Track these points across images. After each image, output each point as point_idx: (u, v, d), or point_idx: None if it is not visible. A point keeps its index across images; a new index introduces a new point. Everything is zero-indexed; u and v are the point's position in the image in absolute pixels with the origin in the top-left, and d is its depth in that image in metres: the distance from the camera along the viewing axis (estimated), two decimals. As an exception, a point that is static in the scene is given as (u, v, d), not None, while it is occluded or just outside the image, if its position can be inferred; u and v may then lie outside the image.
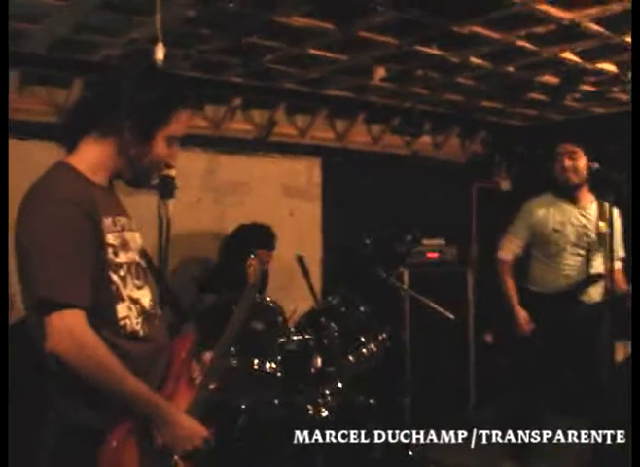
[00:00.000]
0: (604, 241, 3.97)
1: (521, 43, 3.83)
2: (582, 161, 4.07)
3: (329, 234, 5.45)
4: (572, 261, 4.13)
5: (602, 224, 4.01)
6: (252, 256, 2.53)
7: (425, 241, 5.45)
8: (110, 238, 1.95)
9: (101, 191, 2.00)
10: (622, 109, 5.46)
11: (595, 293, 4.09)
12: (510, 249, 4.30)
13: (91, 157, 1.99)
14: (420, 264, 5.34)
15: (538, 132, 6.19)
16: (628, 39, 3.74)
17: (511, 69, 4.37)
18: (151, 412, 1.93)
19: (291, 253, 4.10)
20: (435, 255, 5.54)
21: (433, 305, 3.88)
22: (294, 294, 4.46)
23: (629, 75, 4.39)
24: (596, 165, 3.81)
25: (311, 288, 3.28)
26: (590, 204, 4.16)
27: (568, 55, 4.08)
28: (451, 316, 3.84)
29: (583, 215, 4.14)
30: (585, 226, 4.11)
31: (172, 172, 3.12)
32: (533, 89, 4.91)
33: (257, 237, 4.15)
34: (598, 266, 4.09)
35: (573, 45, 3.89)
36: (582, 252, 4.11)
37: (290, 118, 5.27)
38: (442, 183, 5.92)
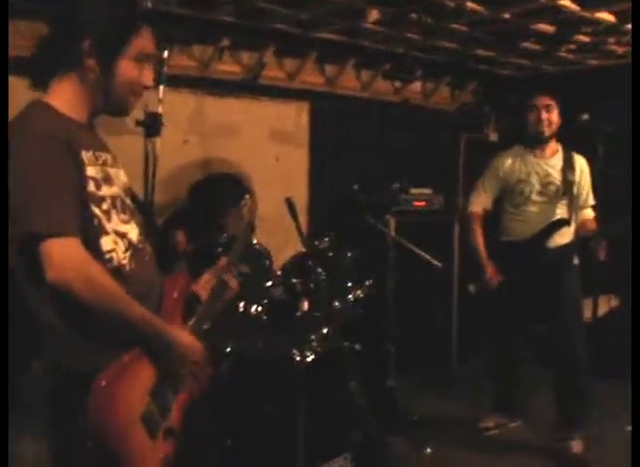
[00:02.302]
0: (570, 189, 4.12)
1: (519, -12, 3.76)
2: (555, 115, 4.13)
3: (316, 180, 5.40)
4: (537, 209, 4.21)
5: (570, 173, 4.13)
6: (247, 196, 2.49)
7: (413, 190, 5.42)
8: (91, 171, 1.91)
9: (80, 127, 1.96)
10: (617, 62, 5.41)
11: (561, 239, 4.16)
12: (479, 203, 4.37)
13: (64, 93, 1.95)
14: (407, 212, 5.31)
15: (529, 84, 6.13)
16: (629, -14, 3.68)
17: (506, 16, 4.28)
18: (155, 334, 1.92)
19: (277, 198, 4.04)
20: (422, 204, 5.51)
21: (420, 252, 3.86)
22: (280, 239, 4.42)
23: (628, 26, 4.34)
24: (586, 116, 3.82)
25: (299, 231, 3.24)
26: (555, 155, 4.23)
27: (566, 3, 4.00)
28: (438, 263, 3.82)
29: (548, 165, 4.21)
30: (549, 174, 4.18)
31: (159, 109, 3.09)
32: (528, 37, 4.84)
33: (229, 186, 4.11)
34: (563, 213, 4.18)
35: (572, -9, 3.83)
36: (546, 200, 4.19)
37: (279, 61, 5.17)
38: (430, 132, 5.87)
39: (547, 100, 4.11)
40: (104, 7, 1.93)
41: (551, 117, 4.12)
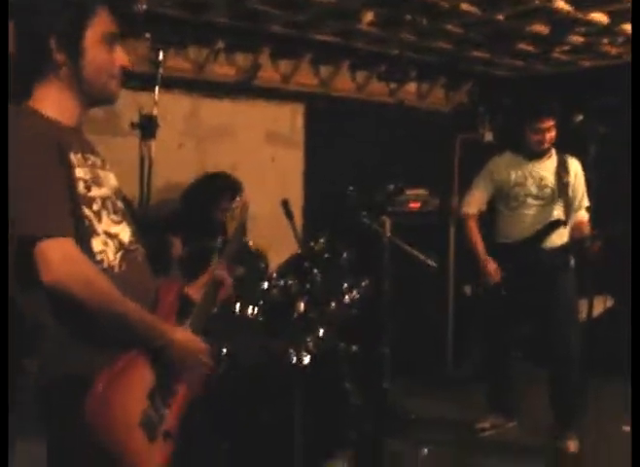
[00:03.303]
0: (565, 191, 4.18)
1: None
2: (554, 131, 4.18)
3: (311, 181, 5.41)
4: (533, 211, 4.25)
5: (564, 175, 4.19)
6: (238, 197, 2.48)
7: (408, 191, 5.43)
8: (80, 173, 1.91)
9: (67, 129, 1.96)
10: (610, 62, 5.42)
11: (557, 240, 4.19)
12: (474, 204, 4.41)
13: (47, 96, 1.94)
14: (402, 213, 5.32)
15: (523, 84, 6.14)
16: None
17: (501, 17, 4.30)
18: (154, 334, 1.92)
19: (272, 199, 4.04)
20: (417, 205, 5.52)
21: (415, 252, 3.86)
22: (275, 240, 4.42)
23: (621, 26, 4.35)
24: (580, 117, 3.84)
25: (295, 232, 3.24)
26: (549, 158, 4.27)
27: (560, 4, 4.01)
28: (433, 263, 3.82)
29: (542, 168, 4.25)
30: (544, 178, 4.23)
31: (154, 111, 3.09)
32: (522, 38, 4.85)
33: (222, 186, 4.11)
34: (559, 215, 4.23)
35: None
36: (542, 203, 4.24)
37: (274, 62, 5.17)
38: (425, 133, 5.88)
39: (550, 122, 4.14)
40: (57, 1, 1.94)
41: (552, 135, 4.18)
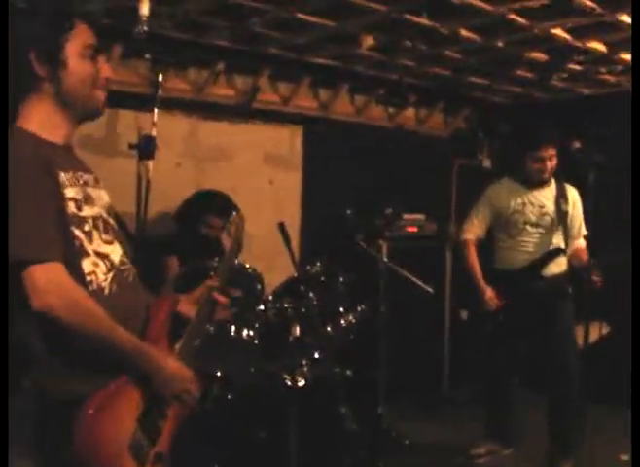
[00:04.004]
0: (564, 219, 4.17)
1: (513, 16, 3.79)
2: (555, 160, 4.18)
3: (309, 204, 5.41)
4: (533, 239, 4.24)
5: (563, 204, 4.19)
6: (233, 213, 2.47)
7: (405, 216, 5.43)
8: (70, 192, 1.89)
9: (56, 148, 1.94)
10: (608, 90, 5.45)
11: (556, 268, 4.19)
12: (472, 231, 4.39)
13: (34, 115, 1.93)
14: (400, 238, 5.31)
15: (522, 111, 6.17)
16: (621, 17, 3.71)
17: (500, 44, 4.32)
18: (141, 360, 1.90)
19: (269, 222, 4.04)
20: (414, 229, 5.52)
21: (412, 278, 3.86)
22: (272, 263, 4.41)
23: (620, 55, 4.38)
24: (577, 144, 3.85)
25: (292, 255, 3.23)
26: (548, 186, 4.27)
27: (559, 32, 4.04)
28: (430, 289, 3.82)
29: (542, 195, 4.26)
30: (543, 206, 4.23)
31: (152, 132, 3.09)
32: (521, 65, 4.88)
33: (212, 204, 4.11)
34: (558, 243, 4.22)
35: (565, 21, 3.86)
36: (542, 230, 4.23)
37: (273, 85, 5.19)
38: (423, 158, 5.89)
39: (551, 150, 4.14)
40: (36, 16, 1.94)
41: (554, 164, 4.18)
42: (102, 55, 2.03)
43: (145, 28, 3.01)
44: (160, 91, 3.11)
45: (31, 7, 2.01)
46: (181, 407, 2.04)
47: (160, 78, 3.12)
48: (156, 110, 3.13)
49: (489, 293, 4.21)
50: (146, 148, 3.00)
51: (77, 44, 1.95)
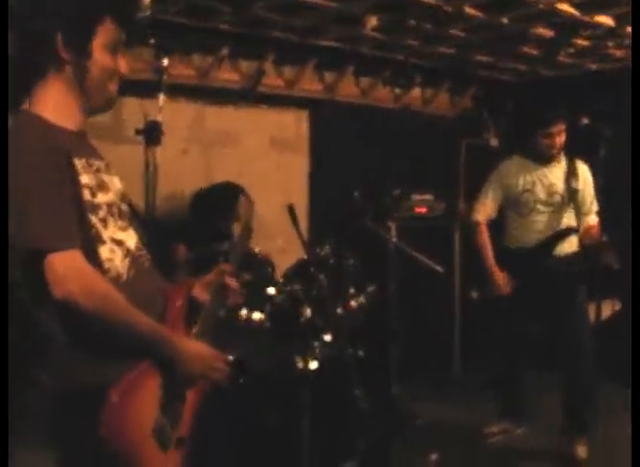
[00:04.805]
0: (574, 197, 4.14)
1: (518, -8, 3.76)
2: (564, 136, 4.14)
3: (316, 187, 5.40)
4: (543, 218, 4.22)
5: (573, 180, 4.14)
6: (241, 196, 2.47)
7: (414, 196, 5.42)
8: (85, 179, 1.89)
9: (70, 134, 1.94)
10: (616, 65, 5.41)
11: (568, 247, 4.16)
12: (484, 212, 4.36)
13: (49, 99, 1.93)
14: (408, 218, 5.31)
15: (529, 89, 6.14)
16: (627, -10, 3.68)
17: (505, 21, 4.29)
18: (162, 344, 1.90)
19: (277, 205, 4.04)
20: (423, 210, 5.51)
21: (422, 257, 3.85)
22: (281, 246, 4.42)
23: (627, 29, 4.34)
24: (585, 121, 3.81)
25: (301, 238, 3.22)
26: (558, 163, 4.23)
27: (565, 7, 4.00)
28: (439, 269, 3.81)
29: (552, 173, 4.22)
30: (554, 184, 4.20)
31: (158, 118, 3.08)
32: (526, 41, 4.84)
33: (230, 196, 4.10)
34: (569, 221, 4.19)
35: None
36: (552, 209, 4.21)
37: (278, 69, 5.17)
38: (430, 138, 5.87)
39: (561, 126, 4.10)
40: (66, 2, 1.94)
41: (562, 139, 4.14)
42: (122, 51, 2.04)
43: (148, 13, 2.99)
44: (164, 76, 3.09)
45: None
46: (209, 385, 2.05)
47: (165, 63, 3.10)
48: (161, 95, 3.12)
49: (499, 275, 4.19)
50: (152, 134, 2.98)
51: (105, 36, 1.96)
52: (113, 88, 2.02)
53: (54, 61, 1.92)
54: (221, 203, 4.08)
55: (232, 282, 2.28)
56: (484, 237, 4.31)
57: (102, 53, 1.96)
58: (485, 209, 4.35)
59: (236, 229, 2.51)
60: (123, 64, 2.04)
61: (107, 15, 1.97)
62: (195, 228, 4.13)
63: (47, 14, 1.90)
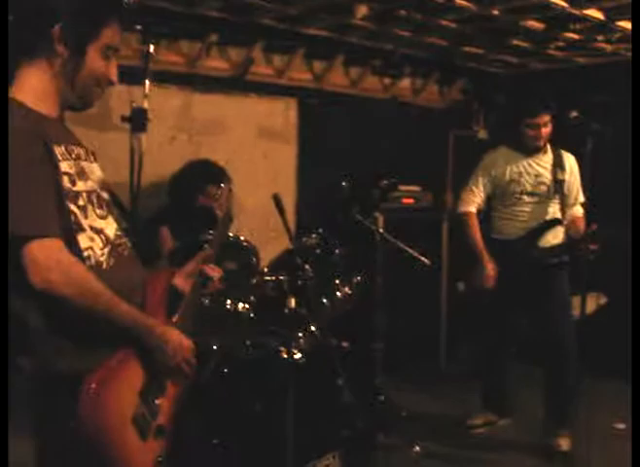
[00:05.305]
0: (560, 188, 4.16)
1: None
2: (550, 126, 4.15)
3: (304, 177, 5.38)
4: (529, 208, 4.23)
5: (560, 172, 4.17)
6: (221, 185, 2.45)
7: (401, 187, 5.41)
8: (64, 167, 1.87)
9: (49, 121, 1.92)
10: (605, 60, 5.40)
11: (553, 238, 4.18)
12: (473, 202, 4.34)
13: (31, 84, 1.90)
14: (396, 209, 5.30)
15: (518, 81, 6.13)
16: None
17: (496, 12, 4.27)
18: (143, 332, 1.91)
19: (264, 195, 4.01)
20: (410, 201, 5.50)
21: (409, 249, 3.84)
22: (267, 235, 4.40)
23: (617, 23, 4.33)
24: (574, 114, 3.81)
25: (287, 227, 3.20)
26: (545, 154, 4.24)
27: (555, 0, 3.99)
28: (427, 261, 3.80)
29: (538, 164, 4.23)
30: (540, 174, 4.20)
31: (144, 104, 3.05)
32: (517, 34, 4.83)
33: (208, 173, 4.03)
34: (555, 212, 4.21)
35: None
36: (538, 200, 4.22)
37: (267, 57, 5.14)
38: (419, 129, 5.86)
39: (546, 117, 4.11)
40: None
41: (548, 130, 4.15)
42: (115, 57, 2.02)
43: (134, -1, 2.96)
44: (150, 63, 3.06)
45: None
46: (179, 377, 2.05)
47: (152, 49, 3.07)
48: (147, 82, 3.09)
49: (491, 268, 4.17)
50: (138, 120, 2.96)
51: (105, 39, 1.95)
52: (98, 92, 2.01)
53: (47, 51, 1.90)
54: (196, 181, 3.99)
55: (211, 270, 2.28)
56: (475, 229, 4.29)
57: (97, 56, 1.95)
58: (475, 199, 4.33)
59: (220, 213, 2.49)
60: (114, 71, 2.02)
61: (115, 18, 1.96)
62: (176, 210, 4.05)
63: (49, 6, 1.88)
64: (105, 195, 2.05)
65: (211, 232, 3.28)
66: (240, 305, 3.33)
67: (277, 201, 3.16)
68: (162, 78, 4.32)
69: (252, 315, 3.38)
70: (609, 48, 5.05)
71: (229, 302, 3.31)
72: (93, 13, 1.92)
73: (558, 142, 4.24)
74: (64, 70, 1.91)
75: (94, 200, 1.97)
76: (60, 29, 1.87)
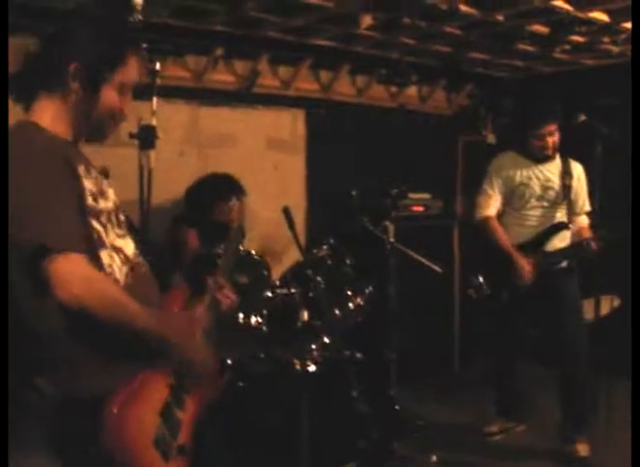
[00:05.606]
0: (568, 194, 4.16)
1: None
2: (558, 134, 4.15)
3: (313, 188, 5.38)
4: (537, 213, 4.23)
5: (567, 178, 4.17)
6: (234, 198, 2.46)
7: (411, 195, 5.40)
8: (88, 184, 1.90)
9: (68, 143, 1.96)
10: (612, 61, 5.39)
11: (560, 242, 4.17)
12: (491, 205, 4.30)
13: (48, 112, 1.94)
14: (406, 217, 5.29)
15: (525, 85, 6.12)
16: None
17: (500, 18, 4.27)
18: (169, 341, 1.91)
19: (275, 206, 4.02)
20: (420, 209, 5.49)
21: (420, 258, 3.83)
22: (278, 248, 4.40)
23: (623, 24, 4.32)
24: (583, 118, 3.80)
25: (297, 240, 3.21)
26: (553, 160, 4.24)
27: (559, 3, 3.98)
28: (438, 269, 3.80)
29: (547, 170, 4.23)
30: (549, 180, 4.20)
31: (152, 121, 3.05)
32: (522, 38, 4.82)
33: (222, 187, 4.02)
34: (562, 218, 4.21)
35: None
36: (546, 204, 4.22)
37: (273, 69, 5.15)
38: (427, 136, 5.86)
39: (552, 127, 4.10)
40: (96, 34, 1.94)
41: (555, 139, 4.14)
42: (130, 92, 2.04)
43: (140, 17, 2.97)
44: (157, 80, 3.08)
45: (91, 24, 1.97)
46: (204, 391, 2.08)
47: (158, 66, 3.09)
48: (154, 99, 3.10)
49: (526, 266, 4.09)
50: (146, 138, 2.97)
51: (121, 78, 1.97)
52: (111, 124, 2.03)
53: (62, 87, 1.93)
54: (214, 193, 3.97)
55: (225, 297, 2.30)
56: (500, 231, 4.23)
57: (112, 92, 1.97)
58: (492, 202, 4.29)
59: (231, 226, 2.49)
60: (127, 104, 2.04)
61: (134, 55, 1.99)
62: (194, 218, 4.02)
63: (70, 41, 1.91)
64: (122, 216, 2.08)
65: (222, 246, 3.29)
66: (253, 319, 3.34)
67: (287, 215, 3.17)
68: (169, 93, 4.33)
69: (265, 329, 3.38)
70: (615, 49, 5.03)
71: (241, 316, 3.32)
72: (110, 54, 1.95)
73: (566, 146, 4.23)
74: (79, 105, 1.94)
75: (114, 220, 1.99)
76: (76, 68, 1.90)
